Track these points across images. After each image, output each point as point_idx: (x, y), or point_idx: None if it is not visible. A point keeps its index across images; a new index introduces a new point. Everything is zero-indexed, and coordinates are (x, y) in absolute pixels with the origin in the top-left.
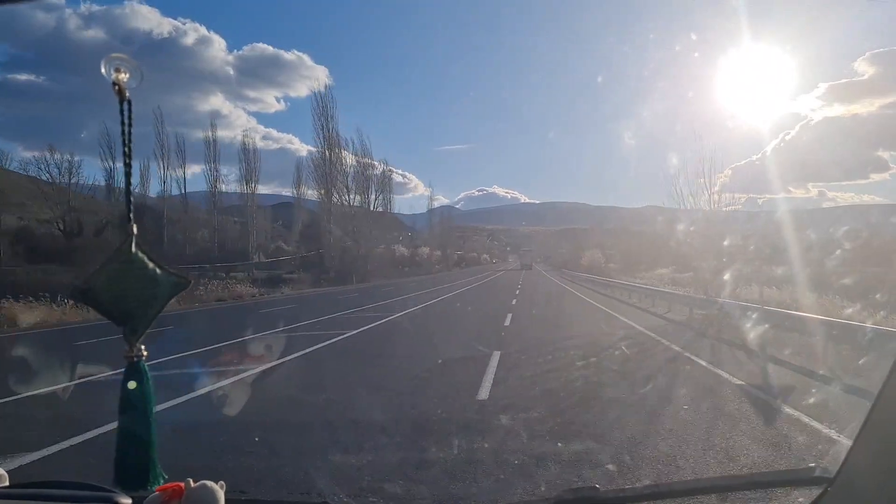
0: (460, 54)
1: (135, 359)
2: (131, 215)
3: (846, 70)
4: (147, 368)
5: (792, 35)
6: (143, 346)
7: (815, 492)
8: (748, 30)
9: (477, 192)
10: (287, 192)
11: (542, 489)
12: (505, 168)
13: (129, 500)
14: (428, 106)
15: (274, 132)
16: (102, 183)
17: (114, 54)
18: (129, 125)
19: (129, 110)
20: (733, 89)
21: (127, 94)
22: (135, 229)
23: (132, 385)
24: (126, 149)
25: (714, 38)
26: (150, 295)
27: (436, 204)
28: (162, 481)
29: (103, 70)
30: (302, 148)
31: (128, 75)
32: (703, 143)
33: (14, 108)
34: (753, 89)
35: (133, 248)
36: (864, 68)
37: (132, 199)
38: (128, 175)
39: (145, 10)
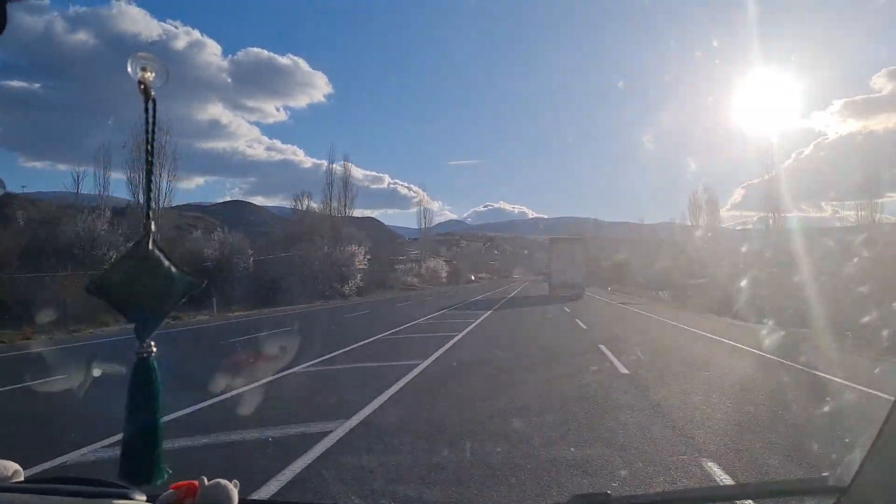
0: (468, 73)
1: (144, 355)
2: (150, 213)
3: (862, 86)
4: (156, 365)
5: (808, 52)
6: (152, 343)
7: (828, 501)
8: (762, 47)
9: (483, 208)
10: None
11: (554, 494)
12: (512, 183)
13: (144, 497)
14: (436, 121)
15: (278, 143)
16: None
17: (140, 53)
18: (154, 124)
19: (154, 110)
20: (747, 107)
21: (153, 94)
22: (153, 227)
23: (141, 381)
24: (149, 146)
25: (728, 55)
26: (164, 293)
27: (442, 219)
28: (166, 476)
29: (129, 69)
30: (307, 160)
31: (153, 74)
32: (716, 162)
33: (10, 117)
34: (768, 107)
35: (150, 246)
36: (882, 84)
37: (152, 198)
38: (149, 173)
39: (134, 11)
